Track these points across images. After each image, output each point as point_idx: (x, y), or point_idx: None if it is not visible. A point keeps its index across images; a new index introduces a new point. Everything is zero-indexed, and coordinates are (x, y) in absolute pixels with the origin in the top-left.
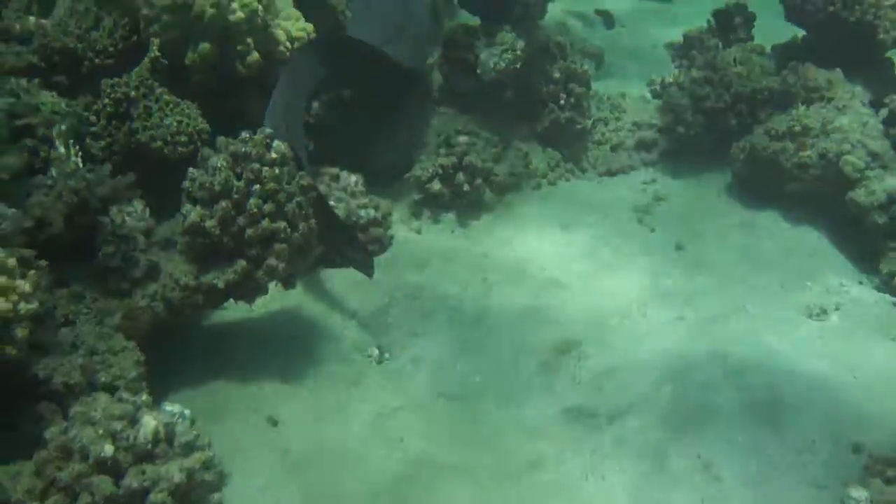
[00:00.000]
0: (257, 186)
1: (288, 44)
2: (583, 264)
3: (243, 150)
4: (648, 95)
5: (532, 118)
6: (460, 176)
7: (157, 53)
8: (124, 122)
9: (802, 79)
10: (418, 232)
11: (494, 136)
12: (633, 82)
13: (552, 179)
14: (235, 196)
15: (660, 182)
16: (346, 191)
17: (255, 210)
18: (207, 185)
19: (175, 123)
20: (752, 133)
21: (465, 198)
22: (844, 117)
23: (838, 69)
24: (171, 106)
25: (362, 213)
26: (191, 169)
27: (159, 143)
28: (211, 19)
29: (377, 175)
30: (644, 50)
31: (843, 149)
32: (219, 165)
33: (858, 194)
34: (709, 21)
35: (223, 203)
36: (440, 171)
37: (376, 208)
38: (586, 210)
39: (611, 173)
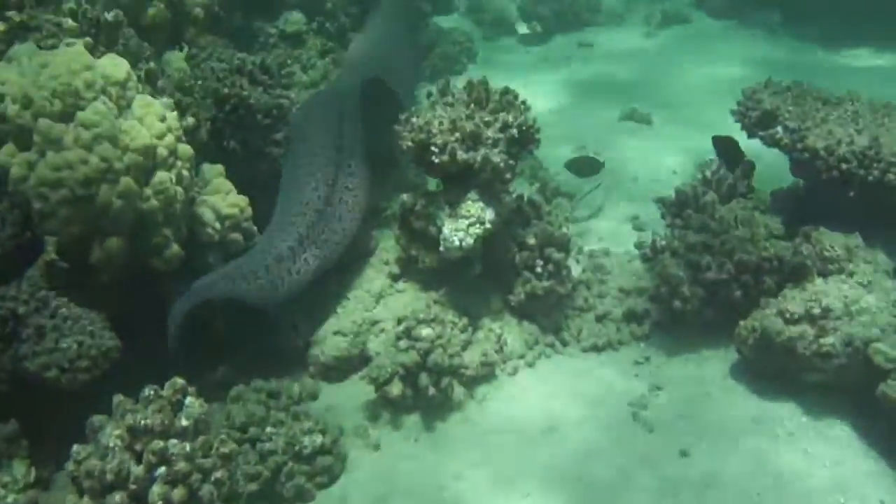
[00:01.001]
0: (162, 469)
1: (217, 224)
2: (573, 490)
3: (143, 422)
4: (633, 247)
5: (505, 288)
6: (424, 377)
7: (54, 256)
8: (10, 344)
9: (817, 246)
10: (376, 447)
11: (463, 316)
12: (612, 222)
13: (531, 360)
14: (133, 486)
15: (654, 361)
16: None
17: (160, 502)
18: (97, 472)
19: (75, 346)
20: (759, 306)
21: (431, 400)
22: (870, 295)
23: (857, 234)
24: (69, 322)
25: (306, 440)
26: (75, 447)
27: (54, 371)
28: (119, 211)
29: None
30: (624, 184)
31: (872, 335)
32: (111, 444)
33: (892, 388)
34: (703, 173)
35: (117, 497)
36: (400, 371)
37: (323, 433)
38: (572, 402)
39: (597, 349)
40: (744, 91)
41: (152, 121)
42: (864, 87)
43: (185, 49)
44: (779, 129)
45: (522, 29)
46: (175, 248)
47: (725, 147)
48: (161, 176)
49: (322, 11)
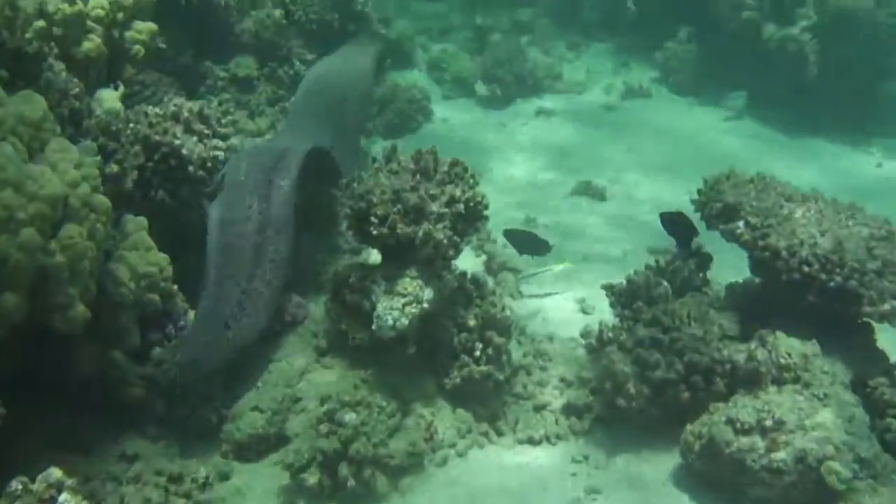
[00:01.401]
0: None
1: (132, 284)
2: None
3: None
4: (578, 334)
5: (440, 370)
6: (344, 467)
7: None
8: None
9: (773, 352)
10: None
11: (392, 399)
12: (558, 303)
13: (462, 450)
14: None
15: (593, 460)
16: None
17: None
18: None
19: None
20: (707, 410)
21: (351, 492)
22: (826, 409)
23: (814, 341)
24: None
25: None
26: None
27: None
28: (18, 266)
29: None
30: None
31: (826, 452)
32: None
33: None
34: (657, 262)
35: None
36: (319, 458)
37: None
38: (501, 500)
39: (533, 442)
40: (705, 180)
41: (66, 167)
42: (824, 179)
43: (121, 88)
44: (740, 224)
45: (482, 90)
46: (80, 308)
47: (675, 225)
48: (70, 229)
49: (276, 57)
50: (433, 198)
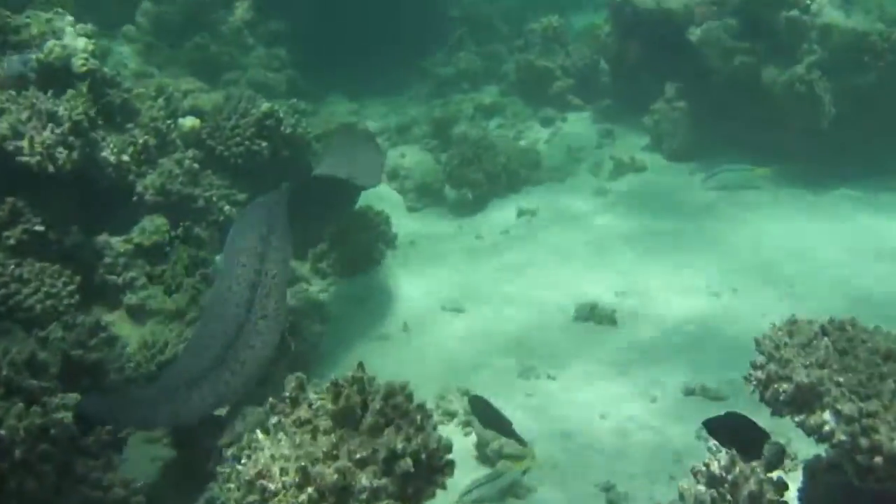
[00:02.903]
0: None
1: None
2: None
3: None
4: None
5: None
6: None
7: None
8: None
9: None
10: None
11: None
12: None
13: None
14: None
15: None
16: None
17: None
18: None
19: None
20: None
21: None
22: None
23: None
24: None
25: None
26: None
27: None
28: None
29: None
30: (554, 448)
31: None
32: None
33: None
34: (708, 467)
35: None
36: None
37: None
38: None
39: None
40: (758, 342)
41: None
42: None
43: None
44: (826, 416)
45: (452, 196)
46: None
47: (733, 433)
48: None
49: (190, 210)
50: (362, 463)
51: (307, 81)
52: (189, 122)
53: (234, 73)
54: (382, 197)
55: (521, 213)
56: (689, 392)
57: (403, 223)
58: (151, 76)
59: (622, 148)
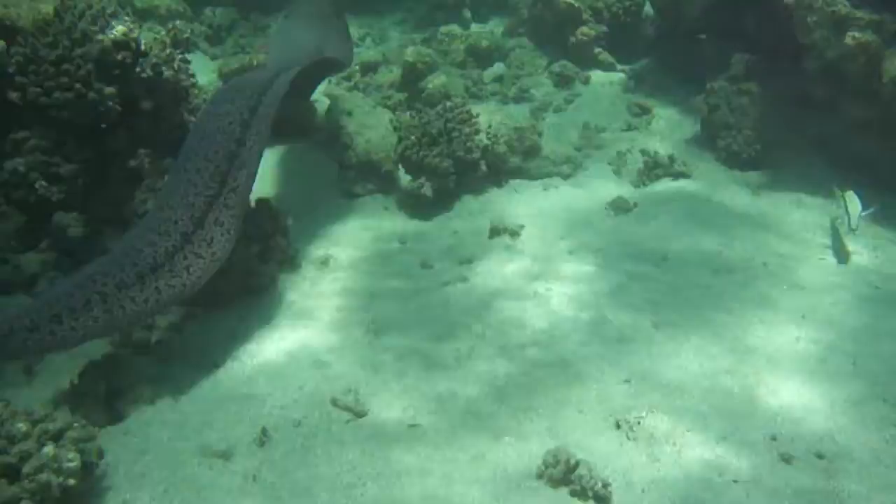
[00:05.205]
0: None
1: None
2: None
3: None
4: None
5: None
6: None
7: None
8: None
9: None
10: None
11: None
12: None
13: None
14: None
15: None
16: None
17: None
18: None
19: None
20: None
21: None
22: None
23: None
24: None
25: None
26: None
27: None
28: None
29: None
30: None
31: None
32: None
33: None
34: None
35: None
36: None
37: None
38: None
39: None
40: None
41: None
42: None
43: None
44: None
45: (405, 184)
46: None
47: None
48: None
49: None
50: None
51: None
52: None
53: None
54: (315, 166)
55: (495, 233)
56: None
57: (326, 221)
58: None
59: (658, 135)
